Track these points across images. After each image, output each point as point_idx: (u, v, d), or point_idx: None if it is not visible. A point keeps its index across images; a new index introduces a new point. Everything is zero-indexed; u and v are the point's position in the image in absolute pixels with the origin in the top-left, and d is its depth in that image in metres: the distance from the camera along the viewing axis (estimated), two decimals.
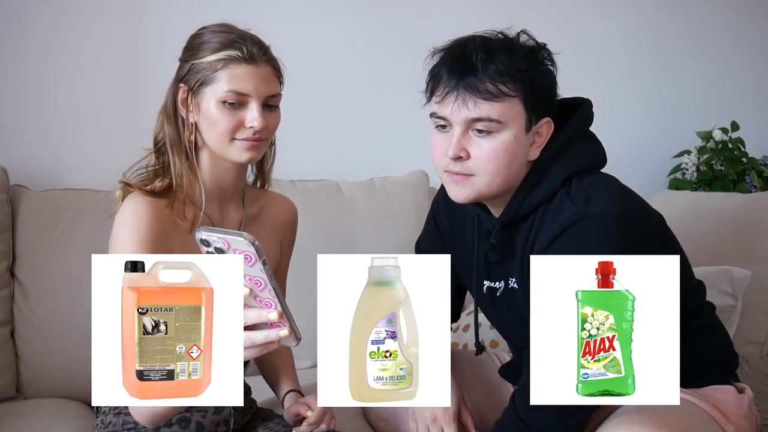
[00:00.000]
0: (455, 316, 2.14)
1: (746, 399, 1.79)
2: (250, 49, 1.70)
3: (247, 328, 1.35)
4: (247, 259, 1.30)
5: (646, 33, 3.24)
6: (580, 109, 1.76)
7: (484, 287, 1.85)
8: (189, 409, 1.70)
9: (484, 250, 1.81)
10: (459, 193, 1.70)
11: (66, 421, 2.12)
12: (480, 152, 1.65)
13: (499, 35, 1.70)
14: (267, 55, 1.74)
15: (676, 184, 3.12)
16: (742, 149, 3.12)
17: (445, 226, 1.97)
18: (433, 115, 1.70)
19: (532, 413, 1.63)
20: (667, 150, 3.19)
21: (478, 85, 1.63)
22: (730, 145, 3.11)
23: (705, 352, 1.78)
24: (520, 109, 1.65)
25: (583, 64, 3.08)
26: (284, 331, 1.35)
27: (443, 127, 1.69)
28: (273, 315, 1.34)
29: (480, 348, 1.98)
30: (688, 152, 3.15)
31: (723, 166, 3.09)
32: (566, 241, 1.61)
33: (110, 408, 1.78)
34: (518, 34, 1.70)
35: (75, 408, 2.24)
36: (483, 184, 1.68)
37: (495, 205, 1.77)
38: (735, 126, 3.12)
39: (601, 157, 1.78)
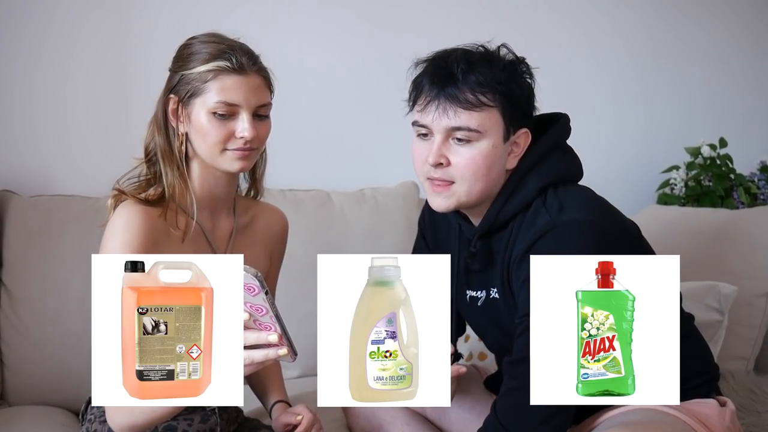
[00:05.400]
0: (462, 329, 2.10)
1: (728, 412, 1.79)
2: (240, 60, 1.71)
3: (245, 347, 1.40)
4: (250, 290, 1.35)
5: (636, 50, 3.26)
6: (557, 123, 1.81)
7: (467, 296, 1.87)
8: (175, 417, 1.70)
9: (465, 258, 1.84)
10: (440, 203, 1.75)
11: (51, 429, 2.11)
12: (459, 159, 1.70)
13: (480, 48, 1.75)
14: (257, 65, 1.75)
15: (665, 199, 3.13)
16: (730, 165, 3.13)
17: (431, 238, 2.00)
18: (415, 123, 1.76)
19: (512, 419, 1.64)
20: (656, 165, 3.21)
21: (458, 95, 1.68)
22: (718, 161, 3.13)
23: (684, 360, 1.78)
24: (499, 119, 1.70)
25: (574, 79, 3.10)
26: (283, 350, 1.41)
27: (425, 135, 1.74)
28: (273, 337, 1.40)
29: (457, 355, 1.99)
30: (677, 168, 3.16)
31: (711, 182, 3.11)
32: (540, 249, 1.64)
33: (96, 416, 1.77)
34: (498, 47, 1.76)
35: (60, 415, 2.23)
36: (463, 191, 1.72)
37: (475, 214, 1.80)
38: (723, 142, 3.14)
39: (577, 169, 1.82)
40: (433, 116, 1.70)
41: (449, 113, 1.68)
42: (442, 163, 1.70)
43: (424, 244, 2.03)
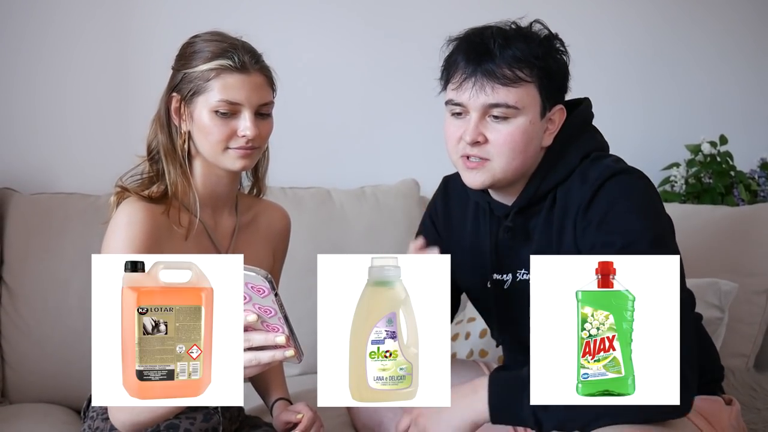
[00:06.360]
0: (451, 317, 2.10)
1: (734, 411, 1.79)
2: (242, 58, 1.71)
3: (252, 348, 1.40)
4: (260, 291, 1.35)
5: (636, 49, 3.26)
6: (582, 104, 1.82)
7: (490, 280, 1.84)
8: (178, 415, 1.70)
9: (496, 237, 1.81)
10: (475, 179, 1.71)
11: (52, 427, 2.12)
12: (497, 136, 1.67)
13: (513, 25, 1.73)
14: (259, 63, 1.75)
15: (665, 197, 3.12)
16: (731, 163, 3.14)
17: (443, 221, 1.97)
18: (449, 102, 1.72)
19: None
20: (656, 162, 3.21)
21: (495, 70, 1.65)
22: (718, 159, 3.13)
23: None
24: (536, 95, 1.68)
25: (573, 78, 3.08)
26: (290, 352, 1.41)
27: (459, 114, 1.70)
28: (281, 339, 1.40)
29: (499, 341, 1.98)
30: (677, 165, 3.17)
31: (711, 179, 3.11)
32: (609, 191, 1.64)
33: (98, 413, 1.77)
34: (531, 23, 1.73)
35: (61, 413, 2.24)
36: (499, 168, 1.69)
37: (507, 194, 1.78)
38: (723, 140, 3.14)
39: (607, 146, 1.82)
40: (469, 93, 1.66)
41: (487, 90, 1.65)
42: (479, 141, 1.68)
43: (431, 227, 2.00)
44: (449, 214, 1.95)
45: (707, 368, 1.83)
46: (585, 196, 1.66)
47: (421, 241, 1.79)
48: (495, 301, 1.85)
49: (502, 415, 1.58)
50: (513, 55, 1.65)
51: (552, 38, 1.73)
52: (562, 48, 1.74)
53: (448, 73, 1.73)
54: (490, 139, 1.68)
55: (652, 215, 1.65)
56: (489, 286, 1.85)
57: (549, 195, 1.73)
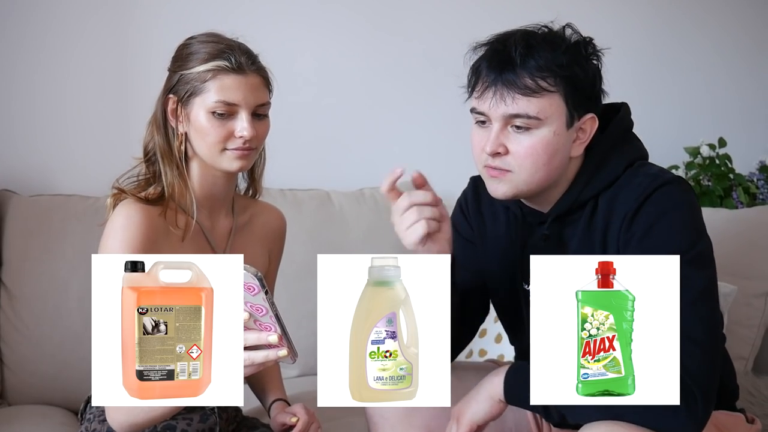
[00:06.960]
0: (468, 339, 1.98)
1: (753, 430, 1.77)
2: (239, 59, 1.71)
3: (246, 348, 1.40)
4: (250, 289, 1.35)
5: (635, 49, 3.26)
6: (621, 110, 1.76)
7: (521, 289, 1.79)
8: (174, 416, 1.70)
9: (526, 246, 1.76)
10: (497, 189, 1.67)
11: (50, 428, 2.12)
12: (518, 148, 1.62)
13: (543, 29, 1.67)
14: (256, 64, 1.75)
15: None
16: (729, 165, 3.14)
17: (477, 228, 1.91)
18: (473, 110, 1.67)
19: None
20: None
21: (516, 80, 1.59)
22: (717, 161, 3.13)
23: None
24: (561, 104, 1.62)
25: None
26: (283, 351, 1.41)
27: (483, 122, 1.66)
28: (273, 338, 1.40)
29: None
30: (676, 167, 3.16)
31: (710, 182, 3.11)
32: (657, 202, 1.59)
33: (95, 415, 1.77)
34: (563, 27, 1.68)
35: (59, 415, 2.24)
36: (521, 180, 1.64)
37: (537, 203, 1.73)
38: (722, 142, 3.14)
39: (647, 155, 1.76)
40: (490, 103, 1.61)
41: (507, 100, 1.59)
42: (500, 152, 1.63)
43: (470, 233, 1.92)
44: (481, 214, 1.89)
45: (729, 387, 1.80)
46: (631, 205, 1.61)
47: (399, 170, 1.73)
48: (524, 309, 1.79)
49: (513, 394, 1.60)
50: (535, 64, 1.59)
51: (581, 44, 1.66)
52: (593, 54, 1.67)
53: (473, 81, 1.68)
54: (512, 151, 1.63)
55: (697, 232, 1.62)
56: (519, 294, 1.80)
57: (589, 203, 1.69)
